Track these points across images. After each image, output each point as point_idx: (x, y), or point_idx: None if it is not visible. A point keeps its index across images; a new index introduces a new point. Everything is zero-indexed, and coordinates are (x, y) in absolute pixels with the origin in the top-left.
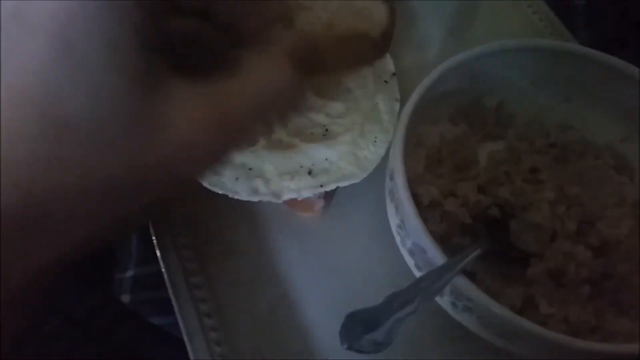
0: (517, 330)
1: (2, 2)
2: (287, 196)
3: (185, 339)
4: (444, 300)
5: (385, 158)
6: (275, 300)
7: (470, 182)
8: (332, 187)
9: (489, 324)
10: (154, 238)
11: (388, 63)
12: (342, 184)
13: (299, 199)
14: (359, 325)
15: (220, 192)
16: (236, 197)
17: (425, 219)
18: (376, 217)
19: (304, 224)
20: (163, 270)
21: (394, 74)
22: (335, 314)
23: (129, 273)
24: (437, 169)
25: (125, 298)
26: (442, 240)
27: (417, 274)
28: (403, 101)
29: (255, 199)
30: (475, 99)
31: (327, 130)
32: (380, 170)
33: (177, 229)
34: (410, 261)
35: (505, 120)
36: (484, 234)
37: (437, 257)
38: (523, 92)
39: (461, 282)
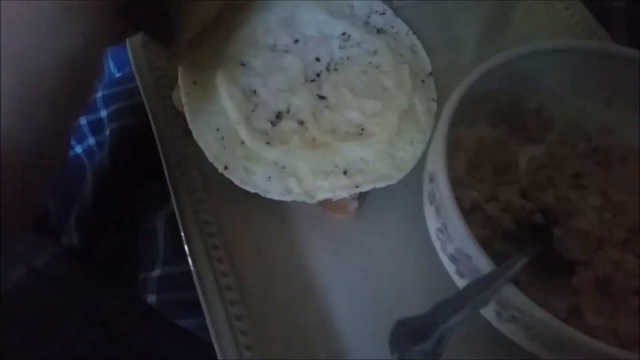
0: (565, 341)
1: None
2: (321, 196)
3: (214, 342)
4: (487, 310)
5: (421, 159)
6: (307, 304)
7: (512, 186)
8: (368, 187)
9: (535, 335)
10: (183, 237)
11: (425, 62)
12: (378, 185)
13: (333, 200)
14: (407, 334)
15: (252, 191)
16: (268, 196)
17: (467, 223)
18: (411, 219)
19: (337, 225)
20: (193, 270)
21: (430, 74)
22: (368, 319)
23: (155, 273)
24: (477, 172)
25: (151, 298)
26: (484, 245)
27: (458, 280)
28: (439, 102)
29: (288, 198)
30: (514, 102)
31: (362, 129)
32: (414, 171)
33: (208, 228)
34: (451, 267)
35: (545, 123)
36: (526, 240)
37: (483, 263)
38: (563, 95)
39: (509, 290)
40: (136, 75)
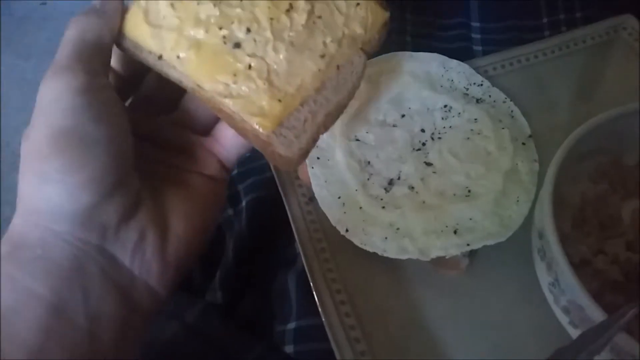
0: None
1: None
2: (434, 254)
3: None
4: (602, 358)
5: (527, 217)
6: (427, 355)
7: (618, 239)
8: (478, 245)
9: None
10: (315, 294)
11: (524, 126)
12: (488, 243)
13: (446, 257)
14: None
15: (371, 250)
16: (385, 255)
17: (577, 277)
18: (521, 274)
19: (450, 281)
20: (325, 323)
21: (530, 136)
22: None
23: (291, 325)
24: (583, 227)
25: (289, 349)
26: (595, 297)
27: (572, 331)
28: (540, 162)
29: (403, 256)
30: (614, 158)
31: (469, 190)
32: (521, 228)
33: (334, 285)
34: (564, 319)
35: None
36: (636, 291)
37: (596, 313)
38: None
39: (623, 338)
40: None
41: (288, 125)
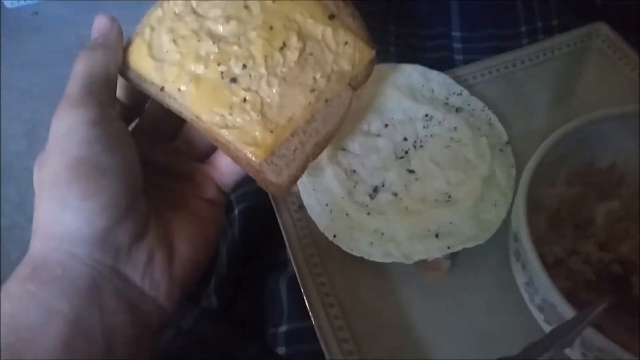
0: None
1: None
2: (417, 257)
3: None
4: (574, 352)
5: (505, 220)
6: (411, 352)
7: (591, 239)
8: (458, 248)
9: None
10: (305, 297)
11: (501, 133)
12: (467, 246)
13: (428, 260)
14: None
15: (357, 255)
16: (371, 259)
17: (551, 277)
18: (500, 274)
19: (433, 282)
20: (314, 325)
21: (507, 143)
22: None
23: (283, 328)
24: (558, 229)
25: (281, 350)
26: (569, 295)
27: (547, 328)
28: (518, 167)
29: (388, 260)
30: (587, 162)
31: (449, 196)
32: (500, 231)
33: (323, 289)
34: (539, 316)
35: (618, 180)
36: (607, 289)
37: (566, 311)
38: (632, 153)
39: (591, 333)
40: None
41: (279, 154)
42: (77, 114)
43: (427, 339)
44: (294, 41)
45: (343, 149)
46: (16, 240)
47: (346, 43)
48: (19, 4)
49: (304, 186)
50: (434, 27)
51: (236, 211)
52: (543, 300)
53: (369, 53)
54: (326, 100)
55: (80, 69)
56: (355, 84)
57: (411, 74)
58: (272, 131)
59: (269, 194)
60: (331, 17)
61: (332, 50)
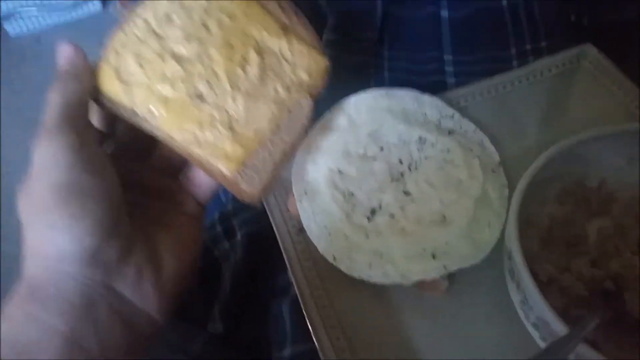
0: None
1: None
2: (415, 278)
3: None
4: None
5: (500, 239)
6: None
7: (583, 257)
8: (454, 268)
9: None
10: (307, 320)
11: (493, 154)
12: (463, 265)
13: (426, 280)
14: None
15: (357, 276)
16: (371, 280)
17: (545, 294)
18: (496, 293)
19: (431, 302)
20: (317, 347)
21: (499, 163)
22: None
23: (287, 351)
24: (551, 247)
25: None
26: (563, 312)
27: (543, 345)
28: (510, 187)
29: (387, 281)
30: (577, 180)
31: (444, 216)
32: (496, 249)
33: (325, 311)
34: (535, 333)
35: (607, 197)
36: (600, 305)
37: (560, 328)
38: (621, 171)
39: (584, 349)
40: None
41: (250, 165)
42: (57, 141)
43: (426, 356)
44: (253, 56)
45: (340, 173)
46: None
47: (301, 53)
48: (22, 31)
49: (304, 210)
50: (426, 51)
51: (239, 236)
52: (538, 317)
53: (322, 61)
54: (289, 111)
55: (55, 99)
56: (314, 93)
57: (404, 98)
58: (241, 144)
59: (271, 219)
60: (284, 29)
61: (289, 61)
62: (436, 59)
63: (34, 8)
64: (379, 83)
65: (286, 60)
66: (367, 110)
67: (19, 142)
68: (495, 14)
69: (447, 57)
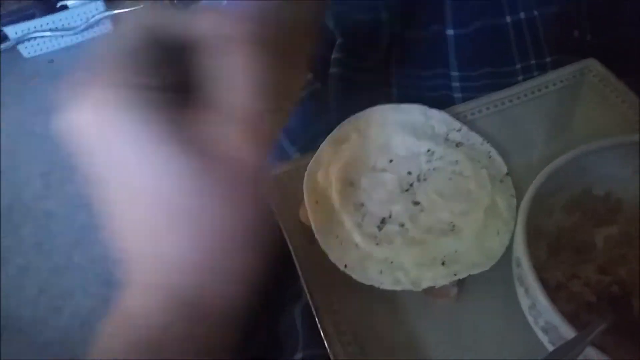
0: None
1: None
2: (425, 284)
3: None
4: None
5: (508, 247)
6: None
7: (590, 264)
8: (464, 275)
9: None
10: (319, 326)
11: (501, 165)
12: (472, 272)
13: (436, 287)
14: None
15: (368, 283)
16: (381, 287)
17: (553, 300)
18: (506, 299)
19: (441, 308)
20: (329, 352)
21: (507, 174)
22: None
23: (298, 355)
24: (559, 254)
25: None
26: (572, 318)
27: (552, 349)
28: (518, 197)
29: (398, 288)
30: (584, 190)
31: (454, 225)
32: (504, 257)
33: (336, 317)
34: (544, 338)
35: (615, 206)
36: (608, 310)
37: (569, 332)
38: (627, 181)
39: (592, 352)
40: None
41: None
42: None
43: None
44: None
45: (351, 184)
46: (32, 280)
47: None
48: (35, 53)
49: (316, 220)
50: (433, 68)
51: None
52: (546, 322)
53: None
54: None
55: None
56: None
57: (413, 112)
58: None
59: (282, 229)
60: None
61: None
62: (443, 76)
63: (48, 32)
64: (387, 99)
65: None
66: (376, 124)
67: (32, 160)
68: (499, 31)
69: (454, 74)
